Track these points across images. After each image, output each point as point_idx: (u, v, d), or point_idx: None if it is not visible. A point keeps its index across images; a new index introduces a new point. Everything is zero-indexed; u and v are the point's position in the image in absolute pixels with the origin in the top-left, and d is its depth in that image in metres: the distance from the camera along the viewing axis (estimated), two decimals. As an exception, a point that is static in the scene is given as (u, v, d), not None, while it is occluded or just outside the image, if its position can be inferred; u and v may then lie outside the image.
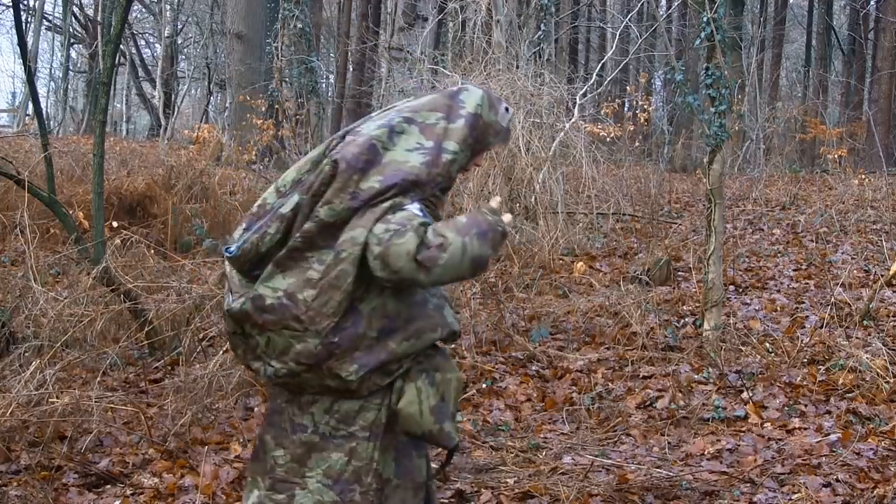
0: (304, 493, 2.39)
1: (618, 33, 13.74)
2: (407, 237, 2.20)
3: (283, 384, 2.39)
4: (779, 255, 7.94)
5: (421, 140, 2.38)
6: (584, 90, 9.87)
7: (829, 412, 4.39)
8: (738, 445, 4.02)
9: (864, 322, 5.58)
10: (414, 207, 2.30)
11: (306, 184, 2.34)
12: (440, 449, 2.54)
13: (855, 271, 6.99)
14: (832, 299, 5.89)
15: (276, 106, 11.23)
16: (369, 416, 2.38)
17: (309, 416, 2.40)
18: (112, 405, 4.01)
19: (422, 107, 2.46)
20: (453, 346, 5.24)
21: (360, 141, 2.33)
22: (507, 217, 2.39)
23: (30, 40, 20.32)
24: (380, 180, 2.29)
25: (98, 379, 4.19)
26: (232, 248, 2.32)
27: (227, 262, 2.39)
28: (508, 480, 3.64)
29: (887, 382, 4.60)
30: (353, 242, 2.25)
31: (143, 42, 31.07)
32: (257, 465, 2.47)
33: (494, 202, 2.40)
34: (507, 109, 2.51)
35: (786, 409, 4.44)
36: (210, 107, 24.80)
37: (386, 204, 2.28)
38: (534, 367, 5.07)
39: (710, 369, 4.93)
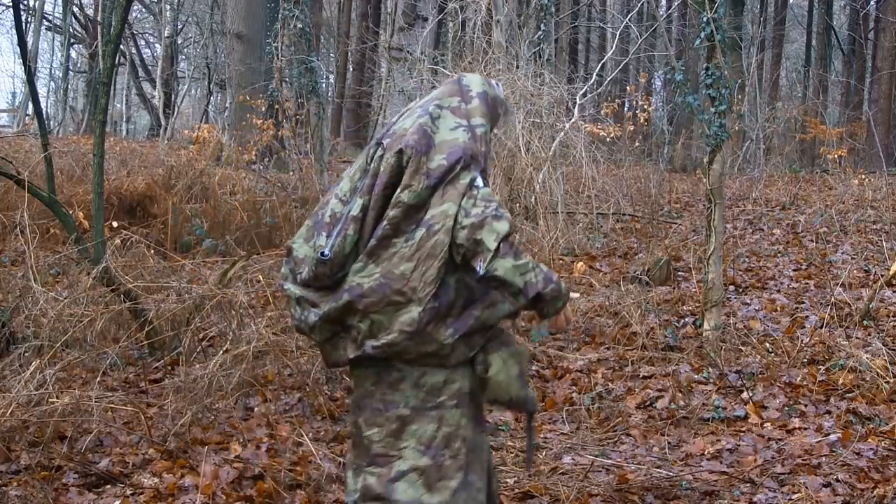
0: (401, 461, 2.63)
1: (618, 33, 13.75)
2: (503, 222, 2.51)
3: (375, 362, 2.60)
4: (779, 255, 7.94)
5: (457, 119, 2.68)
6: (584, 90, 9.88)
7: (829, 412, 4.39)
8: (738, 445, 4.02)
9: (864, 322, 5.58)
10: (482, 182, 2.59)
11: (366, 187, 2.59)
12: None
13: (855, 271, 6.99)
14: (832, 299, 5.89)
15: (276, 106, 11.20)
16: (454, 386, 2.63)
17: (399, 392, 2.63)
18: (112, 405, 4.01)
19: (440, 95, 2.75)
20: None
21: (413, 129, 2.61)
22: (574, 294, 2.62)
23: (30, 40, 20.31)
24: (444, 158, 2.58)
25: (98, 379, 4.18)
26: (326, 252, 2.54)
27: (292, 288, 2.64)
28: (508, 480, 3.64)
29: (887, 382, 4.60)
30: (445, 215, 2.52)
31: (143, 42, 31.07)
32: (357, 450, 2.70)
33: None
34: (500, 85, 2.87)
35: (786, 409, 4.44)
36: (210, 107, 24.79)
37: (464, 180, 2.57)
38: (534, 367, 5.07)
39: (710, 369, 4.93)
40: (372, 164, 2.62)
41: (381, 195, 2.57)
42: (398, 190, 2.55)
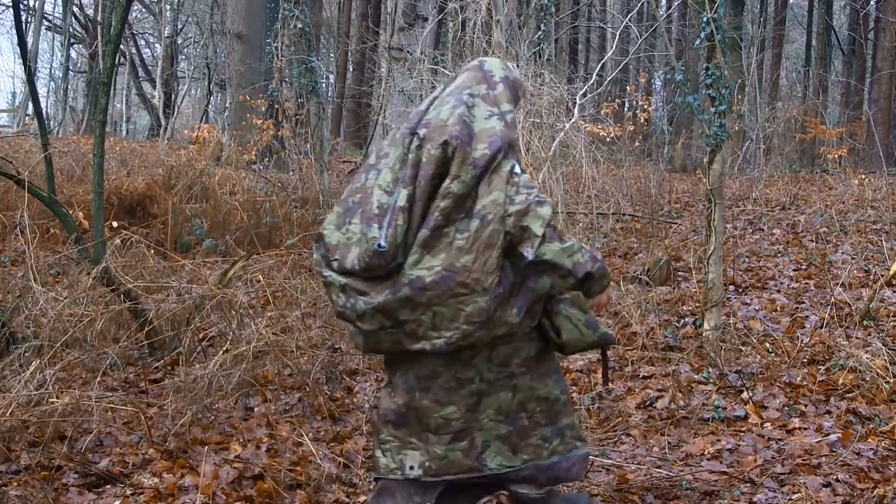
0: (482, 432, 2.81)
1: (618, 33, 13.72)
2: (546, 207, 2.65)
3: (453, 350, 2.70)
4: (779, 255, 7.93)
5: (489, 108, 2.78)
6: (584, 90, 9.86)
7: (829, 412, 4.39)
8: (738, 445, 4.02)
9: (864, 322, 5.58)
10: (519, 168, 2.71)
11: (408, 177, 2.66)
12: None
13: (855, 271, 6.99)
14: (832, 299, 5.89)
15: (276, 106, 11.21)
16: (522, 353, 2.81)
17: (473, 368, 2.77)
18: (112, 405, 4.01)
19: (468, 83, 2.84)
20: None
21: (453, 120, 2.69)
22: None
23: (30, 40, 20.31)
24: (486, 147, 2.68)
25: (98, 379, 4.18)
26: (382, 243, 2.60)
27: (334, 275, 2.70)
28: (508, 480, 3.64)
29: (887, 382, 4.60)
30: (495, 204, 2.64)
31: (143, 42, 31.07)
32: (409, 429, 2.81)
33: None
34: (514, 67, 2.96)
35: (786, 409, 4.44)
36: (210, 107, 24.78)
37: (506, 168, 2.68)
38: (534, 367, 5.06)
39: (710, 369, 4.93)
40: (411, 155, 2.68)
41: (427, 186, 2.64)
42: (447, 181, 2.64)
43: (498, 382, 2.80)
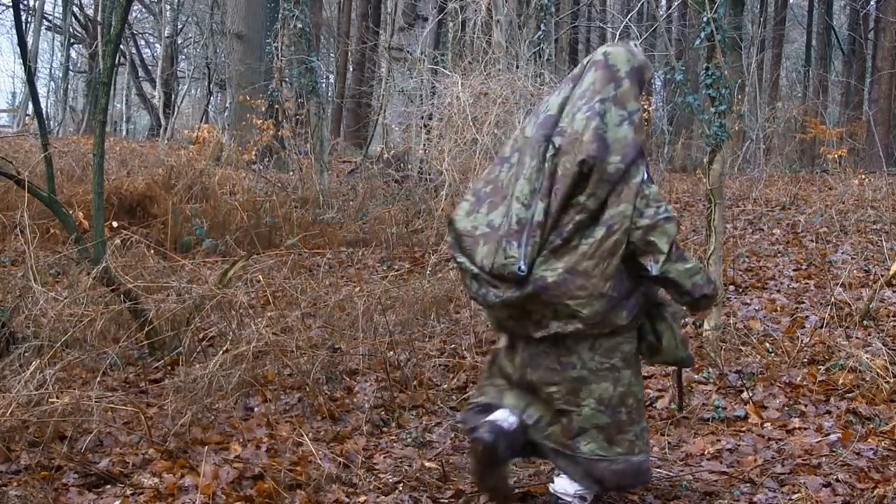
0: (580, 417, 2.99)
1: (618, 33, 13.74)
2: (672, 224, 2.82)
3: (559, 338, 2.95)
4: (779, 255, 7.93)
5: (619, 112, 2.88)
6: (584, 90, 9.84)
7: (829, 412, 4.39)
8: (738, 445, 4.01)
9: (864, 322, 5.58)
10: (647, 175, 2.86)
11: (544, 189, 2.84)
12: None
13: (855, 271, 6.99)
14: (832, 299, 5.89)
15: (276, 106, 11.20)
16: (625, 348, 2.98)
17: (575, 355, 2.96)
18: (112, 405, 4.01)
19: (598, 87, 2.92)
20: (453, 346, 5.24)
21: (589, 137, 2.82)
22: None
23: (30, 40, 20.31)
24: (620, 160, 2.81)
25: (98, 379, 4.18)
26: (522, 267, 2.80)
27: (467, 262, 2.94)
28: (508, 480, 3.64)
29: (887, 382, 4.60)
30: (623, 216, 2.80)
31: (143, 42, 31.06)
32: (524, 392, 3.10)
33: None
34: (637, 46, 3.06)
35: (786, 409, 4.44)
36: (210, 107, 24.78)
37: (636, 178, 2.82)
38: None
39: (710, 369, 4.93)
40: (547, 164, 2.85)
41: (562, 199, 2.82)
42: (583, 196, 2.81)
43: (600, 372, 2.97)
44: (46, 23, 25.98)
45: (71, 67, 26.89)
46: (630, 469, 3.06)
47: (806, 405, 4.47)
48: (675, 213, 2.89)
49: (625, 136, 2.85)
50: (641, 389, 3.09)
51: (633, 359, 3.04)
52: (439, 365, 4.95)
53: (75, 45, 27.55)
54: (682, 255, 2.87)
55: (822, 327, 5.53)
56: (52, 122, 22.21)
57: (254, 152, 11.88)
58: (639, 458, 3.06)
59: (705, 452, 3.94)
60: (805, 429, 4.17)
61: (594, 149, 2.80)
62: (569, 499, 3.15)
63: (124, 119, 31.40)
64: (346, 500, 3.42)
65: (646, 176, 2.86)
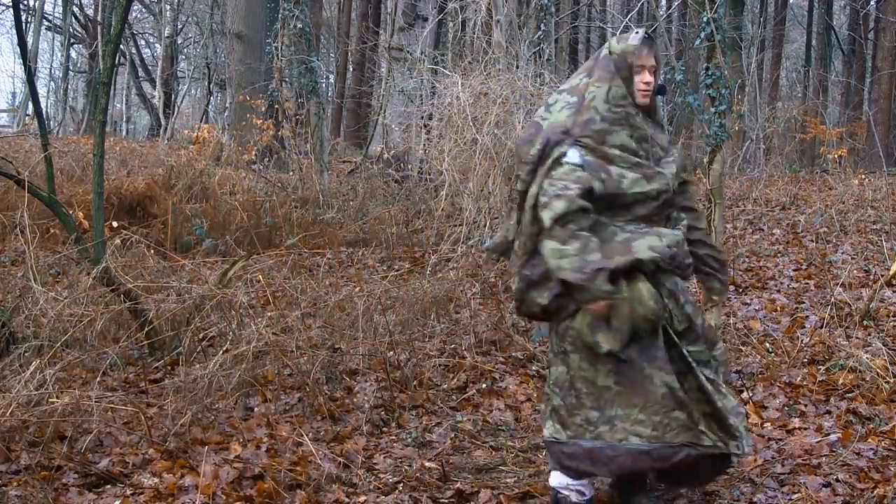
0: (547, 400, 3.14)
1: (618, 33, 13.74)
2: (561, 202, 2.81)
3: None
4: (779, 255, 7.93)
5: (569, 98, 3.00)
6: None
7: (829, 412, 4.39)
8: (738, 445, 4.01)
9: (864, 322, 5.58)
10: (573, 155, 2.87)
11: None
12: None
13: (855, 271, 6.99)
14: (832, 299, 5.89)
15: (276, 106, 11.20)
16: (573, 333, 2.99)
17: (551, 339, 3.14)
18: (112, 405, 4.01)
19: (574, 75, 3.10)
20: (453, 346, 5.24)
21: (528, 126, 3.09)
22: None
23: (30, 40, 20.31)
24: (540, 142, 2.95)
25: (98, 379, 4.18)
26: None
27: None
28: (508, 480, 3.64)
29: (887, 382, 4.60)
30: (532, 196, 2.94)
31: (143, 42, 31.06)
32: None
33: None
34: (636, 32, 3.06)
35: (786, 409, 4.44)
36: (210, 107, 24.78)
37: (552, 158, 2.90)
38: (534, 367, 5.07)
39: (710, 369, 4.92)
40: None
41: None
42: (517, 181, 3.05)
43: (558, 356, 3.08)
44: (46, 23, 25.98)
45: (71, 67, 26.89)
46: (580, 453, 2.99)
47: (806, 405, 4.47)
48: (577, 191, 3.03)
49: (559, 119, 2.96)
50: (603, 376, 2.97)
51: (584, 344, 3.00)
52: (439, 365, 4.95)
53: (75, 45, 27.55)
54: (567, 235, 2.79)
55: (822, 327, 5.53)
56: (52, 122, 22.22)
57: (254, 152, 11.88)
58: (590, 443, 2.97)
59: (705, 452, 3.94)
60: (805, 429, 4.17)
61: (525, 136, 3.01)
62: (566, 492, 3.14)
63: (124, 119, 31.40)
64: (346, 500, 3.42)
65: (574, 157, 2.87)
